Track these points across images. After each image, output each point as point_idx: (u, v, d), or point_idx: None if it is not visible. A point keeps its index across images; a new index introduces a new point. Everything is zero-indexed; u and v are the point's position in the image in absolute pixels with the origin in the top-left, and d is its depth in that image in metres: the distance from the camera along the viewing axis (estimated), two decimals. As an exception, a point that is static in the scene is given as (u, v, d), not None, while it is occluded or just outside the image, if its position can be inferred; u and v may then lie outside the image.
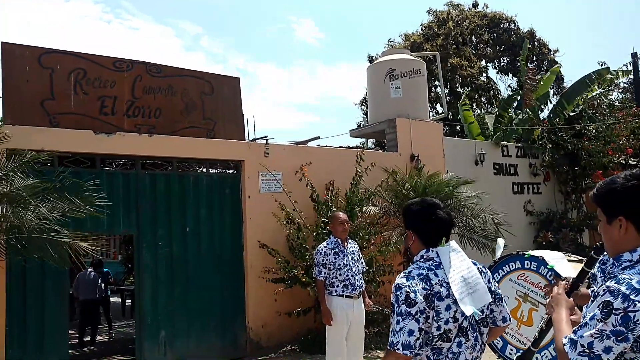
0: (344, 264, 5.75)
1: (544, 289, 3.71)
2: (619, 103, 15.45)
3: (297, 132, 64.49)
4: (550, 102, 14.69)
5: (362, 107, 22.48)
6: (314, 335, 8.09)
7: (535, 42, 21.24)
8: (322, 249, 5.88)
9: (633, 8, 48.57)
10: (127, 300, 13.59)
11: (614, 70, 14.35)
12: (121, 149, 7.37)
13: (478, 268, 2.59)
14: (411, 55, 12.00)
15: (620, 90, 19.55)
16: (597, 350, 1.73)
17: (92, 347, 9.71)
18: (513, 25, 21.47)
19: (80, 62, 7.33)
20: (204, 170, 8.37)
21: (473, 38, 21.59)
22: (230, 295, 8.07)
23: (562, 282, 2.29)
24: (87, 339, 10.00)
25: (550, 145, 12.95)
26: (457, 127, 19.63)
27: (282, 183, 8.58)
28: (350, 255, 5.84)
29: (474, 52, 21.09)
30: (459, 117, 20.26)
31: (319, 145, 10.09)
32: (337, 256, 5.78)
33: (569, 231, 12.13)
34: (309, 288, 7.72)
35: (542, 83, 14.39)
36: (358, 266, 5.88)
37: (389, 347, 2.37)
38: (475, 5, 22.26)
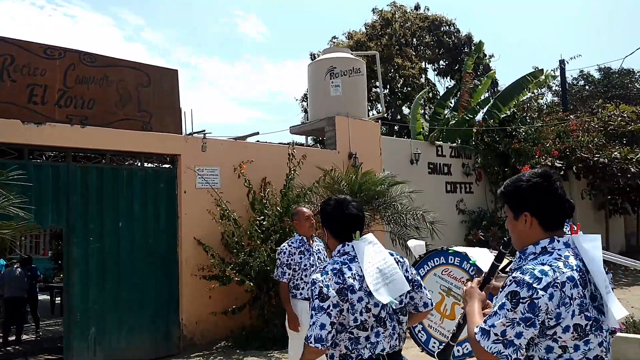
0: (310, 264, 5.15)
1: (466, 284, 3.90)
2: (547, 107, 16.18)
3: (241, 127, 64.00)
4: (482, 108, 15.19)
5: (303, 103, 22.57)
6: (247, 331, 8.10)
7: (472, 46, 21.94)
8: (285, 249, 5.23)
9: (561, 15, 51.00)
10: (56, 298, 13.13)
11: (546, 75, 15.02)
12: (51, 140, 7.10)
13: (395, 258, 2.69)
14: (352, 54, 12.15)
15: (552, 94, 20.49)
16: (510, 336, 1.84)
17: (17, 347, 9.33)
18: (453, 28, 22.09)
19: (8, 48, 7.01)
20: (139, 164, 8.19)
21: (414, 40, 22.06)
22: (164, 292, 7.95)
23: (476, 278, 2.42)
24: (12, 338, 9.60)
25: (483, 147, 13.44)
26: (396, 128, 20.07)
27: (219, 179, 8.52)
28: (316, 254, 5.26)
29: (414, 53, 21.56)
30: (397, 117, 20.75)
31: (257, 141, 10.08)
32: (302, 256, 5.17)
33: (498, 229, 12.63)
34: (244, 285, 7.73)
35: (479, 87, 14.89)
36: None
37: (305, 341, 2.48)
38: (417, 7, 22.77)
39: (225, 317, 8.04)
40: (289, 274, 5.14)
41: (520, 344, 1.83)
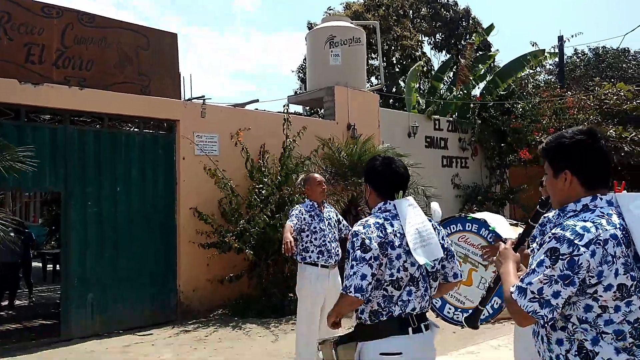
0: (320, 228, 5.08)
1: (484, 250, 3.88)
2: (545, 84, 16.15)
3: (231, 100, 63.33)
4: (479, 82, 15.09)
5: (299, 74, 22.32)
6: (245, 299, 8.10)
7: (470, 21, 21.74)
8: (297, 208, 5.18)
9: (559, -5, 50.69)
10: (48, 265, 13.02)
11: (543, 53, 14.92)
12: (49, 101, 6.93)
13: (432, 224, 2.69)
14: (352, 23, 11.97)
15: (546, 73, 20.43)
16: (547, 295, 1.79)
17: (10, 312, 9.26)
18: (451, 0, 21.81)
19: (5, 5, 6.78)
20: (137, 128, 8.05)
21: (411, 12, 21.80)
22: (161, 259, 7.90)
23: (510, 239, 2.38)
24: (5, 303, 9.52)
25: (480, 121, 13.41)
26: (390, 101, 19.94)
27: (218, 146, 8.41)
28: (327, 220, 5.19)
29: (411, 25, 21.33)
30: (394, 90, 20.60)
31: (256, 109, 9.94)
32: (312, 219, 5.12)
33: (492, 204, 12.68)
34: (242, 253, 7.70)
35: (480, 65, 14.76)
36: (335, 233, 5.21)
37: (342, 291, 2.46)
38: (414, -22, 22.44)
39: (222, 285, 8.02)
40: (296, 223, 5.03)
41: (557, 304, 1.79)
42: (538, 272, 1.82)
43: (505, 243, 3.71)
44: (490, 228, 3.92)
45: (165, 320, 7.78)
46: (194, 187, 8.12)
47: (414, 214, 2.61)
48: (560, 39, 16.64)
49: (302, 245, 5.10)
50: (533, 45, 14.85)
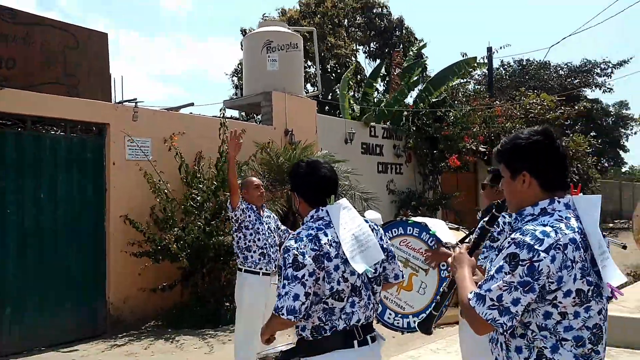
0: (262, 229, 4.95)
1: (425, 254, 3.88)
2: (474, 93, 16.71)
3: (161, 104, 61.82)
4: (412, 90, 15.41)
5: (234, 78, 22.06)
6: (179, 309, 7.82)
7: (404, 31, 22.20)
8: (239, 206, 4.91)
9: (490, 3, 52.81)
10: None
11: (474, 63, 15.45)
12: (-36, 101, 6.44)
13: (370, 225, 2.58)
14: (289, 29, 11.91)
15: (475, 83, 21.16)
16: (506, 303, 1.74)
17: None
18: (385, 10, 22.19)
19: None
20: (64, 132, 7.61)
21: (346, 21, 22.02)
22: (89, 269, 7.49)
23: (465, 243, 2.36)
24: None
25: (414, 129, 13.68)
26: (326, 108, 20.03)
27: (150, 151, 8.11)
28: (266, 224, 5.04)
29: (346, 34, 21.54)
30: (329, 97, 20.72)
31: (191, 113, 9.68)
32: (257, 219, 4.94)
33: (426, 210, 12.94)
34: (177, 262, 7.44)
35: (413, 73, 15.08)
36: (275, 238, 5.07)
37: (274, 312, 2.33)
38: (351, -13, 22.70)
39: (155, 295, 7.71)
40: (242, 204, 4.88)
41: (517, 311, 1.74)
42: (497, 279, 1.77)
43: (446, 247, 3.75)
44: (431, 232, 3.93)
45: (93, 335, 7.37)
46: (125, 194, 7.77)
47: (349, 218, 2.49)
48: (489, 50, 17.28)
49: (245, 244, 4.92)
50: (463, 56, 15.38)
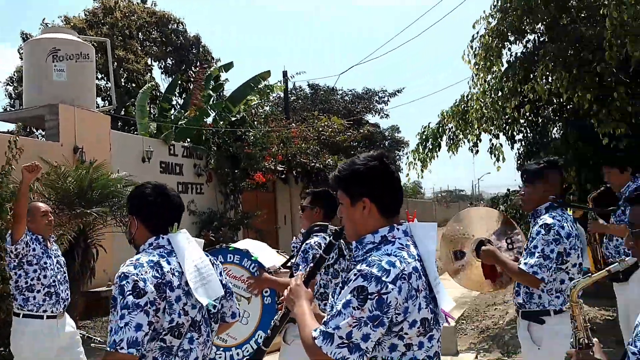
0: (50, 265, 4.26)
1: (247, 282, 3.75)
2: (272, 115, 17.20)
3: None
4: (213, 109, 15.30)
5: (8, 87, 19.59)
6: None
7: (201, 49, 21.96)
8: (23, 239, 4.13)
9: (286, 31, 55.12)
10: None
11: (271, 85, 15.92)
12: None
13: (210, 259, 2.42)
14: (79, 37, 10.94)
15: (270, 104, 21.79)
16: (356, 339, 1.66)
17: None
18: (181, 27, 21.75)
19: None
20: None
21: (140, 34, 21.05)
22: None
23: (299, 272, 2.28)
24: None
25: (215, 148, 13.54)
26: (119, 124, 18.85)
27: None
28: (55, 258, 4.36)
29: (140, 48, 20.58)
30: (122, 112, 19.52)
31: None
32: (43, 252, 4.24)
33: (227, 230, 12.84)
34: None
35: (209, 91, 14.95)
36: (65, 274, 4.41)
37: (110, 348, 2.02)
38: (144, 0, 21.78)
39: None
40: (27, 235, 4.12)
41: (367, 347, 1.67)
42: (345, 315, 1.68)
43: (269, 272, 3.68)
44: (253, 258, 3.83)
45: None
46: None
47: (192, 249, 2.32)
48: (285, 74, 17.99)
49: (26, 283, 4.14)
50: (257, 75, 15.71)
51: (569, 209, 3.28)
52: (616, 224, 4.48)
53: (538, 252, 3.04)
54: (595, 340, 2.01)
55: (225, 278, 2.51)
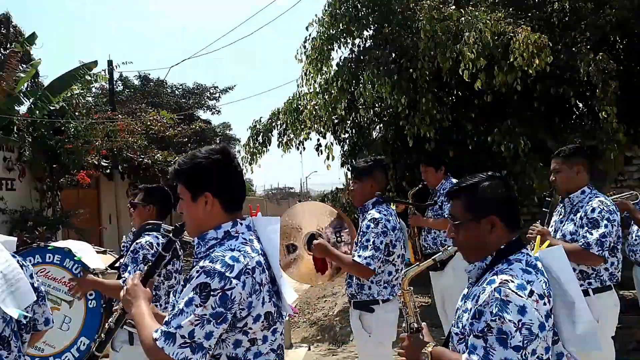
0: None
1: (69, 284, 3.49)
2: (95, 106, 16.08)
3: None
4: (28, 98, 13.86)
5: None
6: None
7: (12, 29, 19.67)
8: None
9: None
10: None
11: (95, 74, 14.89)
12: None
13: (18, 261, 2.18)
14: None
15: (93, 95, 20.31)
16: (199, 338, 1.65)
17: None
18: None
19: None
20: None
21: None
22: None
23: (137, 272, 2.18)
24: None
25: (30, 140, 12.29)
26: None
27: None
28: None
29: None
30: None
31: None
32: None
33: (45, 230, 11.74)
34: None
35: (22, 75, 13.53)
36: None
37: None
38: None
39: None
40: None
41: (209, 345, 1.67)
42: (188, 313, 1.65)
43: (94, 274, 3.48)
44: (76, 258, 3.55)
45: None
46: None
47: None
48: (110, 63, 16.88)
49: None
50: (82, 65, 14.61)
51: (392, 204, 3.60)
52: (434, 217, 5.01)
53: (370, 245, 3.29)
54: (424, 324, 2.16)
55: (38, 280, 2.30)
